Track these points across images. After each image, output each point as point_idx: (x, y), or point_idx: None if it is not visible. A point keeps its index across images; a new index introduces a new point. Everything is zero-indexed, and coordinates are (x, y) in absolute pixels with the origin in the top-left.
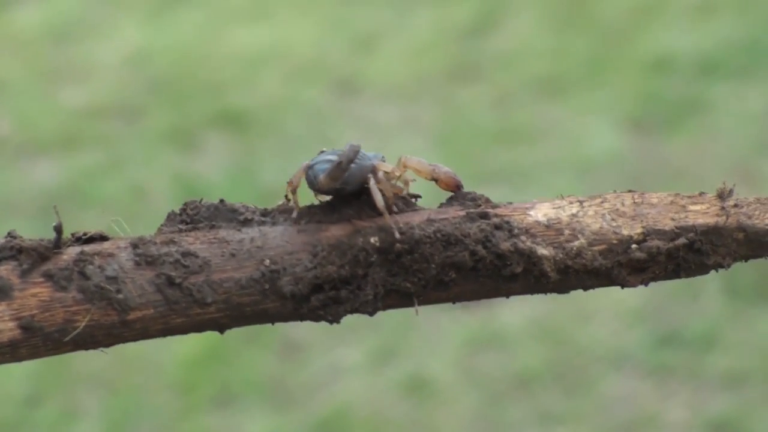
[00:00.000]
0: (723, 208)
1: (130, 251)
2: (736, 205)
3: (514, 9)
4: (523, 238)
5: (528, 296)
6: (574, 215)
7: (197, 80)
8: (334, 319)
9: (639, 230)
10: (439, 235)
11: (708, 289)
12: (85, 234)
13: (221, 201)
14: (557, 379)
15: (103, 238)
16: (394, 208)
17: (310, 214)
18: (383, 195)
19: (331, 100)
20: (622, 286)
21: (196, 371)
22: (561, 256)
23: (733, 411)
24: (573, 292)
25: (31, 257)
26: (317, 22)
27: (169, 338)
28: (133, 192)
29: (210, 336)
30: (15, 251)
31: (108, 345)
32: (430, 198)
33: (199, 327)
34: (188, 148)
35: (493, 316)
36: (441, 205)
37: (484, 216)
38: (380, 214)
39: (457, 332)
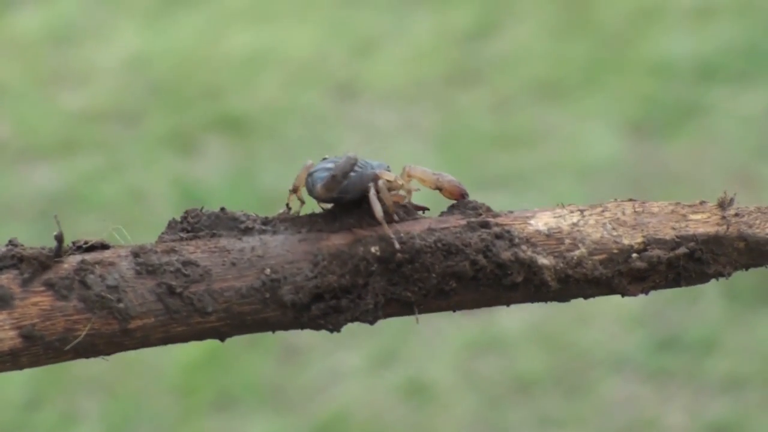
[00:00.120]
0: (724, 217)
1: (131, 260)
2: (736, 215)
3: (513, 13)
4: (523, 247)
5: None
6: (574, 224)
7: (197, 84)
8: (335, 328)
9: (640, 239)
10: (439, 244)
11: (707, 293)
12: (86, 242)
13: (222, 209)
14: (557, 383)
15: (104, 246)
16: (395, 217)
17: (311, 222)
18: (383, 204)
19: (330, 104)
20: (623, 295)
21: (196, 375)
22: (561, 265)
23: (733, 415)
24: None
25: (32, 266)
26: (317, 25)
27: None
28: (133, 196)
29: (210, 340)
30: (16, 260)
31: (108, 353)
32: (432, 205)
33: (199, 335)
34: (187, 152)
35: (493, 320)
36: (442, 214)
37: (485, 225)
38: (379, 224)
39: (456, 336)
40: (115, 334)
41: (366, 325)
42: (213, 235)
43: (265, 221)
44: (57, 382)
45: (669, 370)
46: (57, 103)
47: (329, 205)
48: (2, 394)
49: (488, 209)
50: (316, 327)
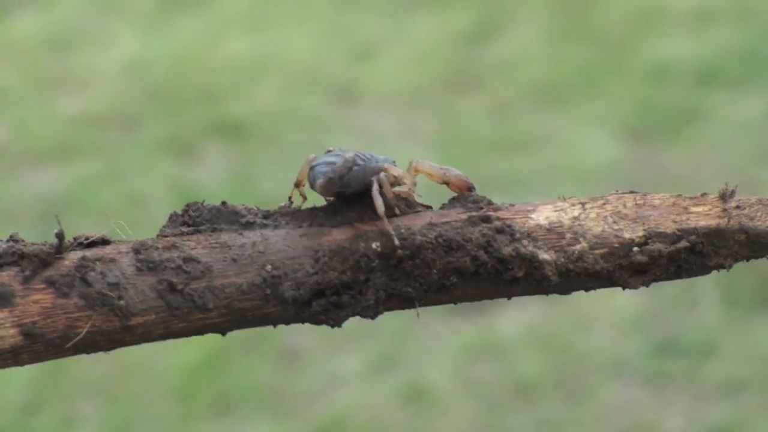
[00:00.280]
0: (725, 209)
1: (132, 257)
2: (738, 207)
3: (512, 18)
4: (524, 242)
5: (526, 304)
6: (575, 218)
7: (195, 89)
8: (336, 324)
9: (641, 233)
10: (440, 240)
11: (706, 297)
12: (87, 238)
13: (223, 203)
14: (556, 388)
15: (105, 241)
16: (396, 211)
17: (312, 216)
18: (385, 199)
19: (329, 109)
20: (624, 287)
21: (195, 379)
22: (563, 260)
23: (732, 419)
24: (572, 300)
25: (33, 263)
26: (315, 30)
27: (168, 346)
28: (131, 201)
29: (209, 344)
30: (17, 257)
31: (109, 349)
32: (433, 200)
33: (200, 331)
34: (186, 157)
35: (492, 325)
36: (443, 207)
37: (486, 220)
38: (380, 219)
39: (455, 340)
40: (116, 330)
41: (365, 329)
42: (214, 230)
43: (267, 215)
44: (56, 386)
45: (668, 374)
46: (56, 108)
47: (331, 198)
48: (1, 397)
49: (489, 202)
50: (317, 322)
